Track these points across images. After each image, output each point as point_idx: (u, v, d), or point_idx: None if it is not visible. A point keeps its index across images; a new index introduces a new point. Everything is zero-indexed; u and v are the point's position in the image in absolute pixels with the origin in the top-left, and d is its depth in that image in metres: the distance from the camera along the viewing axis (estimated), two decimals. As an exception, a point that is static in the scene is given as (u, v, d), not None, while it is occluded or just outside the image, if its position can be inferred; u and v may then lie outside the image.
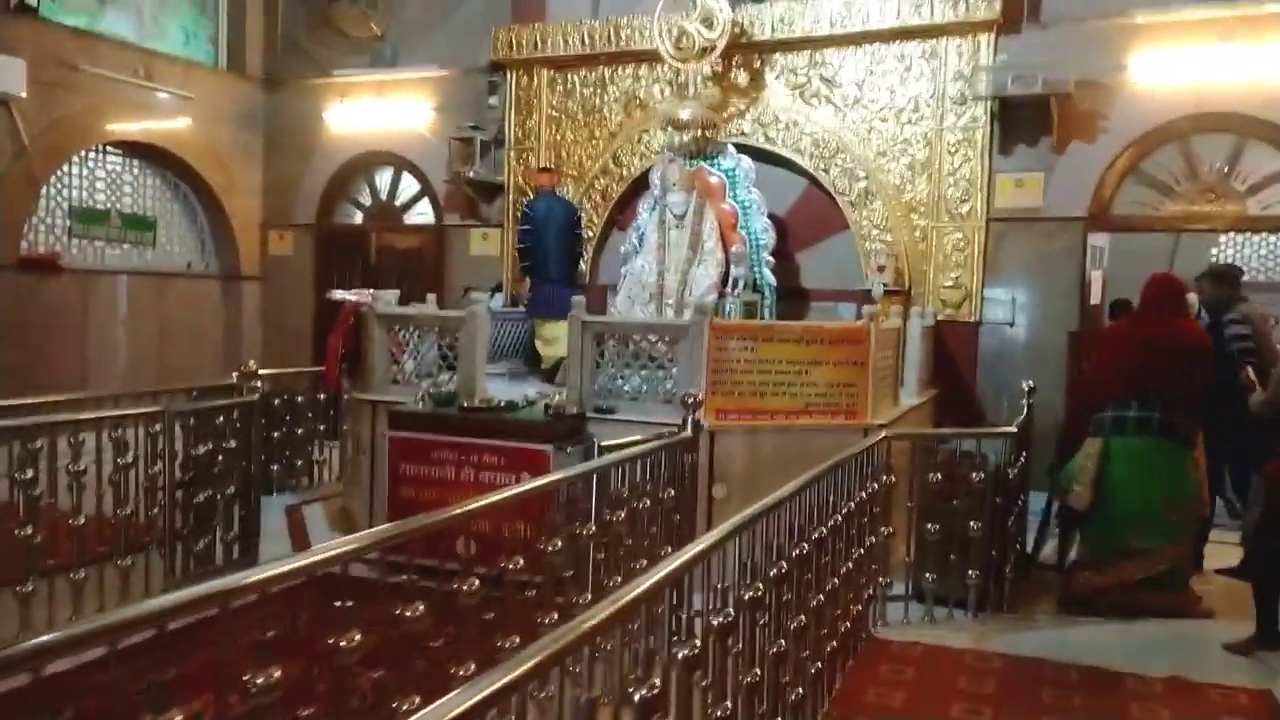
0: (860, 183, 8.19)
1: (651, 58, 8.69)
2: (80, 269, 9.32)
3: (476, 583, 2.88)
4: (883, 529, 4.87)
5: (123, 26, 9.55)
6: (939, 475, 5.00)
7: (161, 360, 10.02)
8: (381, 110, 10.15)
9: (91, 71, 8.96)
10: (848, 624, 4.40)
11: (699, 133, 8.19)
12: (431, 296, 6.37)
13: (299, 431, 7.84)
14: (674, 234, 7.95)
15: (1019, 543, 5.63)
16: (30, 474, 4.47)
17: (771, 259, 8.05)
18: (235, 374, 5.72)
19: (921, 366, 7.38)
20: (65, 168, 9.23)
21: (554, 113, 9.33)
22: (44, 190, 9.01)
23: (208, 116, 10.25)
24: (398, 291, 7.20)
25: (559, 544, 3.39)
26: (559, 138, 9.31)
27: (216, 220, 10.67)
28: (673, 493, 4.36)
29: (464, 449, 5.40)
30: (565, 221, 7.55)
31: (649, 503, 4.11)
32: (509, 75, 9.43)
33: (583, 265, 9.05)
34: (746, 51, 8.50)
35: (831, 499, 4.08)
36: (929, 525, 5.00)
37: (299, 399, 7.84)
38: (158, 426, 5.02)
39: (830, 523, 3.99)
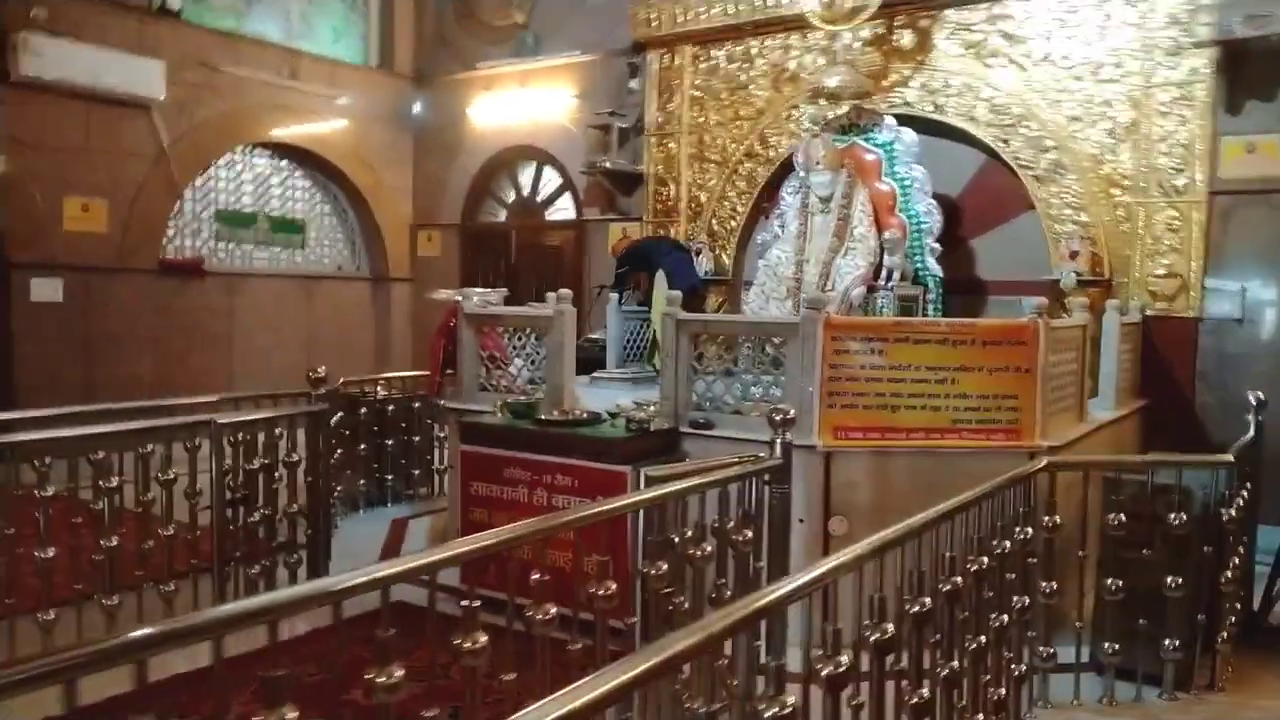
0: (1048, 154, 6.86)
1: (801, 24, 7.68)
2: (225, 272, 9.31)
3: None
4: (1044, 585, 3.73)
5: (269, 27, 9.49)
6: (1122, 516, 3.79)
7: (310, 364, 9.84)
8: (524, 102, 9.65)
9: (234, 73, 8.91)
10: (991, 707, 3.34)
11: (851, 104, 7.13)
12: (554, 294, 5.67)
13: (416, 439, 7.38)
14: (818, 219, 6.93)
15: (1239, 601, 4.29)
16: (51, 491, 4.10)
17: (937, 246, 6.87)
18: (308, 377, 5.21)
19: (1123, 373, 6.02)
20: (210, 171, 9.24)
21: (696, 93, 8.48)
22: (188, 194, 9.04)
23: (356, 116, 10.09)
24: (504, 291, 6.56)
25: (549, 612, 2.56)
26: (701, 120, 8.46)
27: (366, 221, 10.51)
28: (749, 535, 3.42)
29: (537, 468, 4.66)
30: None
31: (710, 549, 3.20)
32: (650, 55, 8.67)
33: (723, 260, 8.19)
34: (911, 10, 7.35)
35: (969, 542, 3.09)
36: (1110, 581, 3.81)
37: (415, 405, 7.38)
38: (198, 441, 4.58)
39: (957, 579, 2.97)
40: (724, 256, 8.30)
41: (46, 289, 7.80)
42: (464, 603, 2.33)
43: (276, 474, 4.89)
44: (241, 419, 4.71)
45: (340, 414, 6.78)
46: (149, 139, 8.37)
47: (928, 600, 2.80)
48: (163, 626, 1.70)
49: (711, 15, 8.22)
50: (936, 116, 7.29)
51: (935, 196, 7.03)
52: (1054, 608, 3.84)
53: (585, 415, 4.82)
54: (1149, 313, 6.47)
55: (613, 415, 4.72)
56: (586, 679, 1.53)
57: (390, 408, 7.24)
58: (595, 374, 7.34)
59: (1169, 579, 3.78)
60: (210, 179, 9.27)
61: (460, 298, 5.81)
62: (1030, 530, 3.58)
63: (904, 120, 7.22)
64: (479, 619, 2.33)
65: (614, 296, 7.88)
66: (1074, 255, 6.56)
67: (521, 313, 5.70)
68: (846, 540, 3.89)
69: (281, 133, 9.50)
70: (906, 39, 7.41)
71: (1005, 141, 7.03)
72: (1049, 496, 3.80)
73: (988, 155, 7.21)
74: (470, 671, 2.32)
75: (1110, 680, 3.90)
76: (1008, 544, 3.41)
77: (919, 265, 6.87)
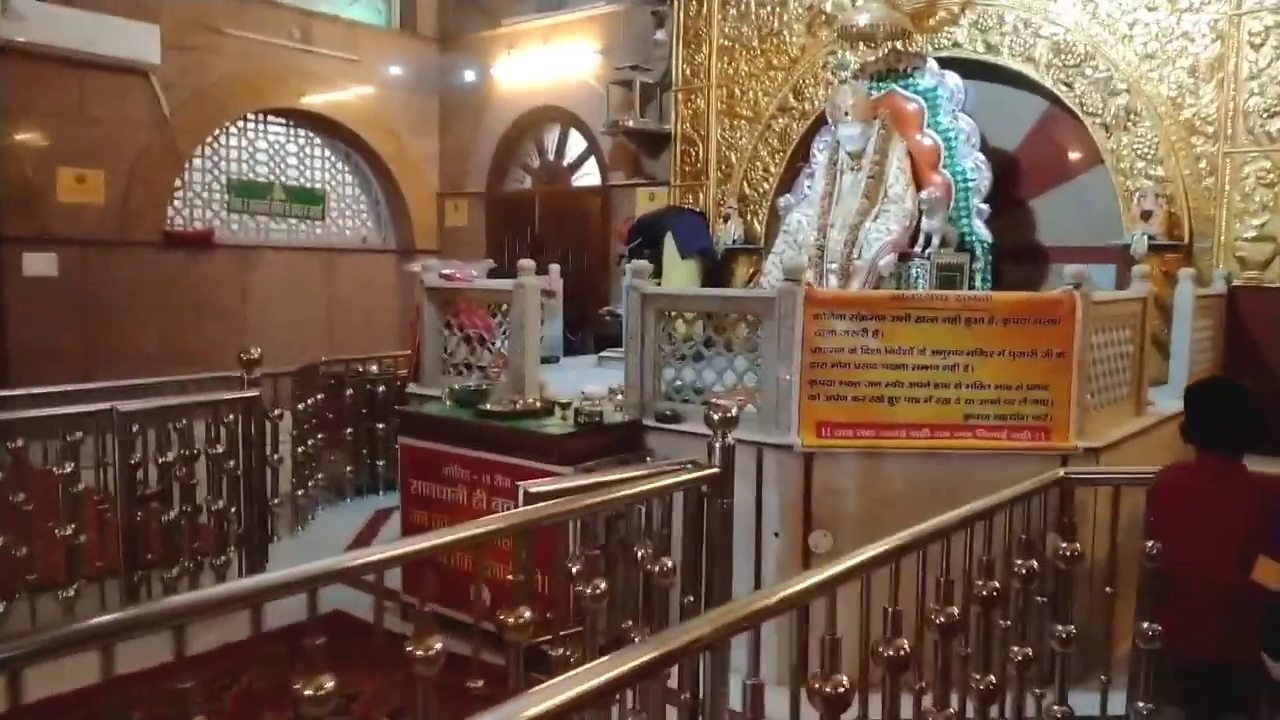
0: (1118, 98, 5.88)
1: (839, -42, 6.80)
2: (238, 244, 8.89)
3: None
4: (1059, 629, 2.95)
5: (280, -13, 9.00)
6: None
7: (332, 340, 9.45)
8: (548, 60, 8.97)
9: (240, 36, 8.44)
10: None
11: (887, 45, 6.25)
12: (526, 263, 5.01)
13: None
14: (847, 178, 6.11)
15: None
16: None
17: (985, 207, 5.99)
18: (239, 359, 4.67)
19: (1200, 355, 5.08)
20: (222, 139, 8.82)
21: (726, 42, 7.66)
22: (196, 163, 8.64)
23: (377, 80, 9.55)
24: (490, 262, 5.94)
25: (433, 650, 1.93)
26: (731, 71, 7.64)
27: (390, 191, 10.01)
28: (669, 564, 2.72)
29: (476, 465, 4.02)
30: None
31: (602, 587, 2.52)
32: (676, 3, 7.88)
33: (755, 227, 7.41)
34: (961, -63, 6.41)
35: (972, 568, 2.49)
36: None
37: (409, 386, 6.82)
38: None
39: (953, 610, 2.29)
40: (755, 223, 7.50)
41: (40, 263, 7.48)
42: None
43: (196, 467, 4.36)
44: (147, 405, 4.18)
45: (320, 395, 6.30)
46: (148, 106, 7.96)
47: (904, 644, 2.12)
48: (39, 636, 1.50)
49: (741, -46, 7.40)
50: (990, 58, 6.35)
51: (989, 151, 6.16)
52: (1076, 655, 3.06)
53: (537, 406, 4.15)
54: (1236, 283, 5.46)
55: (563, 406, 4.04)
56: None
57: (381, 388, 6.71)
58: (604, 352, 6.70)
59: (1226, 624, 2.94)
60: (220, 147, 8.84)
61: (420, 268, 5.20)
62: (1035, 563, 2.78)
63: (953, 64, 6.34)
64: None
65: (629, 268, 7.20)
66: (1147, 216, 5.60)
67: (482, 286, 5.04)
68: (831, 558, 3.15)
69: (296, 99, 9.02)
70: (955, -30, 6.47)
71: (1068, 85, 6.06)
72: (1067, 517, 2.99)
73: (1049, 102, 6.24)
74: None
75: (1147, 749, 3.09)
76: (1022, 569, 2.65)
77: (965, 229, 6.00)
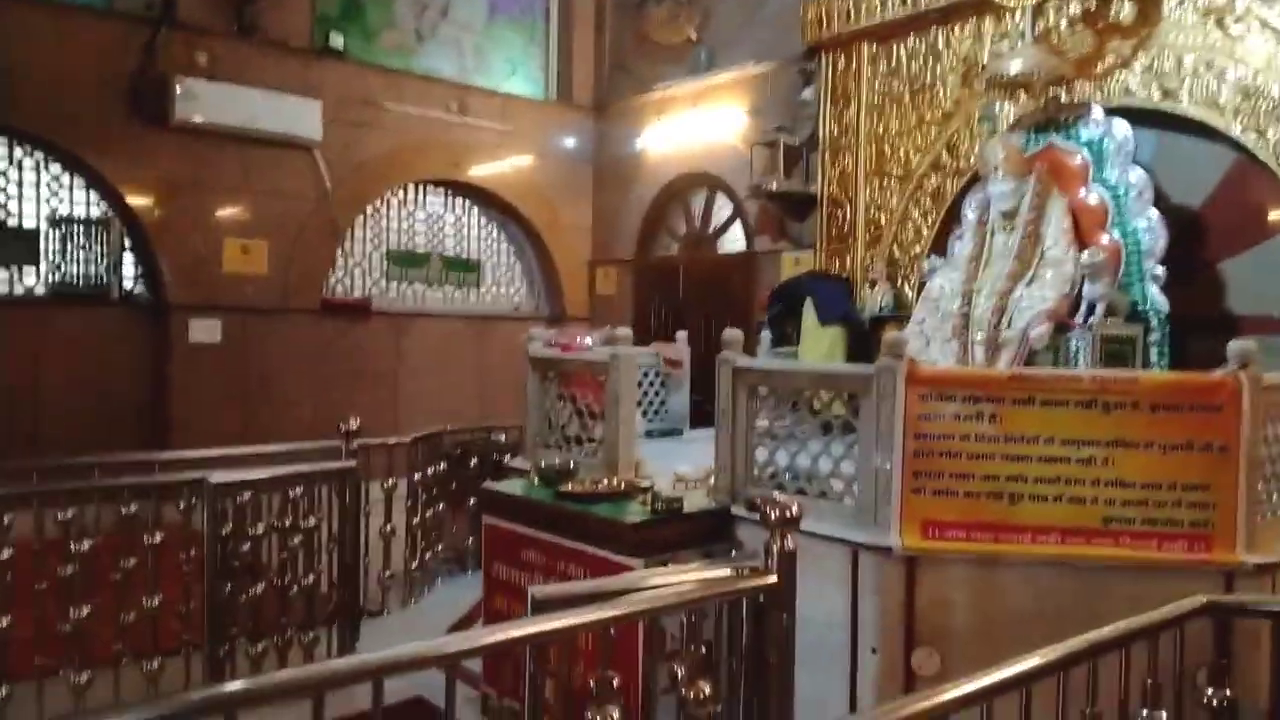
0: (1322, 145, 5.10)
1: (995, 5, 6.32)
2: (394, 312, 9.11)
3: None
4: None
5: (442, 62, 9.28)
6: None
7: (482, 406, 9.50)
8: (696, 124, 8.82)
9: (398, 110, 8.73)
10: None
11: (1044, 93, 5.70)
12: (623, 331, 4.79)
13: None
14: (999, 239, 5.55)
15: None
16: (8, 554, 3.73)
17: (1161, 270, 5.28)
18: (339, 429, 4.61)
19: None
20: (381, 209, 9.10)
21: (875, 98, 7.26)
22: (357, 233, 8.93)
23: (532, 150, 9.67)
24: (623, 330, 5.70)
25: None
26: (880, 130, 7.21)
27: (543, 260, 10.06)
28: (707, 690, 2.34)
29: (551, 551, 3.74)
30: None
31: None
32: (823, 59, 7.56)
33: (905, 292, 6.90)
34: (1131, -27, 5.81)
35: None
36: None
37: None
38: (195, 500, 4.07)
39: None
40: (906, 287, 6.99)
41: (205, 330, 7.86)
42: None
43: (291, 541, 4.30)
44: (239, 479, 4.14)
45: (442, 464, 6.24)
46: (310, 179, 8.31)
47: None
48: None
49: (891, 6, 7.00)
50: (1168, 106, 5.67)
51: (1172, 209, 5.47)
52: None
53: (621, 488, 3.84)
54: None
55: (644, 490, 3.71)
56: None
57: (508, 457, 6.57)
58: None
59: None
60: (380, 218, 9.13)
61: (532, 338, 5.03)
62: (1164, 717, 2.22)
63: (1126, 114, 5.69)
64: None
65: (765, 336, 6.85)
66: (1360, 280, 4.77)
67: (582, 357, 4.81)
68: (937, 681, 2.68)
69: (453, 170, 9.24)
70: (1126, 11, 5.82)
71: (1260, 133, 5.31)
72: (1222, 658, 2.40)
73: (1238, 152, 5.49)
74: None
75: None
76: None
77: (1137, 297, 5.31)
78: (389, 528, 5.45)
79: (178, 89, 7.38)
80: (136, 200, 7.55)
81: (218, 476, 4.06)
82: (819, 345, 6.43)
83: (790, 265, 7.91)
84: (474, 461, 6.46)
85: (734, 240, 8.78)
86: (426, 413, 8.86)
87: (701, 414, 7.07)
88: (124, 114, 7.41)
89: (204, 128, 7.58)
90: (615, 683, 2.21)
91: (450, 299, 9.64)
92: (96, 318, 7.56)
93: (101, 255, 7.59)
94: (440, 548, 6.17)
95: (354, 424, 4.61)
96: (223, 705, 1.61)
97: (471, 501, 6.41)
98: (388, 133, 8.74)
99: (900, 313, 6.90)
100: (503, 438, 6.75)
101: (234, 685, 1.69)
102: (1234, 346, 3.11)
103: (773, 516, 2.48)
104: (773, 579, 2.48)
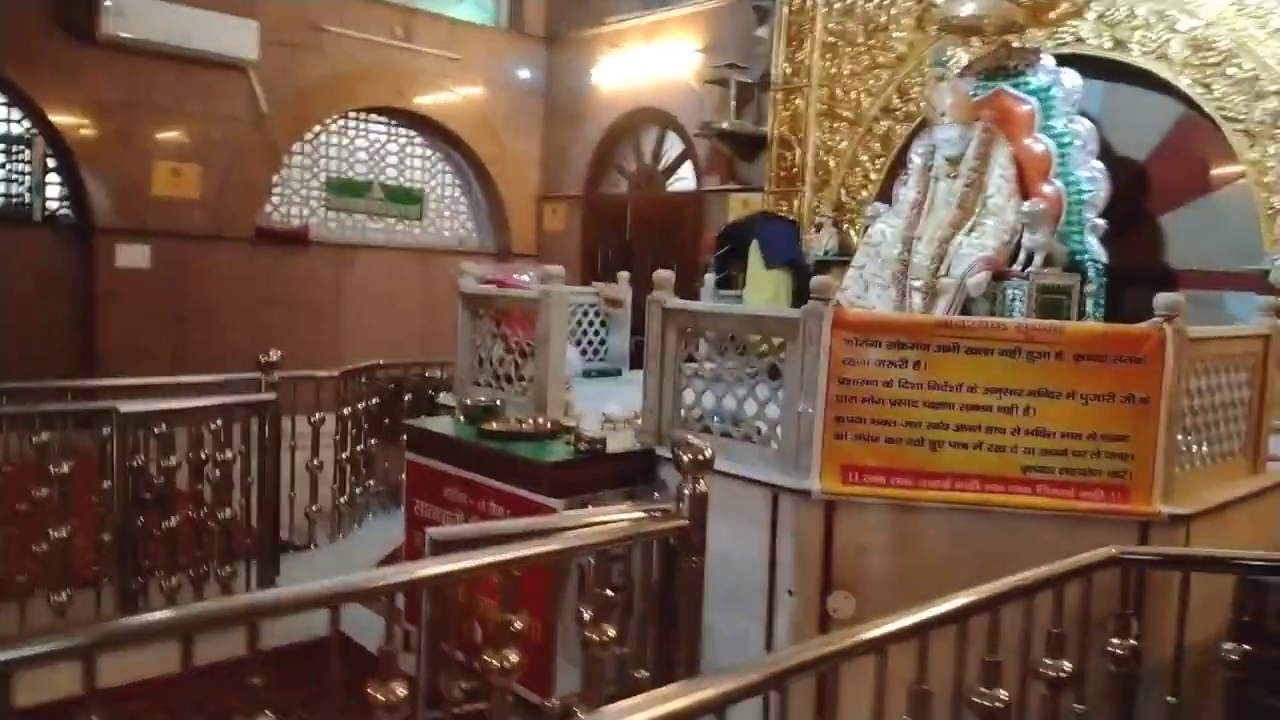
0: (1267, 101, 5.08)
1: (952, -53, 6.18)
2: (334, 243, 8.89)
3: None
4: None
5: (385, -14, 8.96)
6: (1246, 646, 2.35)
7: (426, 342, 9.34)
8: (649, 59, 8.62)
9: (339, 33, 8.42)
10: None
11: (997, 40, 5.61)
12: (554, 269, 4.68)
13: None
14: (943, 186, 5.50)
15: None
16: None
17: (1101, 222, 5.27)
18: (258, 362, 4.48)
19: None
20: (321, 136, 8.83)
21: (830, 38, 7.12)
22: (295, 160, 8.67)
23: (480, 79, 9.41)
24: (559, 269, 5.58)
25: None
26: (833, 70, 7.09)
27: (489, 193, 9.85)
28: (611, 633, 2.29)
29: (473, 490, 3.68)
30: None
31: (514, 661, 2.12)
32: (779, -4, 7.40)
33: (851, 237, 6.84)
34: (1089, -82, 5.70)
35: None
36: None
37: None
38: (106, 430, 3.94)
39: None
40: (852, 233, 6.93)
41: (133, 255, 7.60)
42: None
43: (208, 474, 4.18)
44: (152, 408, 4.01)
45: (375, 400, 6.13)
46: (246, 102, 8.02)
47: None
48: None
49: (848, -58, 6.85)
50: (1118, 55, 5.63)
51: (1114, 160, 5.44)
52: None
53: (546, 427, 3.77)
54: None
55: (569, 430, 3.65)
56: None
57: (443, 394, 6.48)
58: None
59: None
60: (320, 145, 8.86)
61: (464, 273, 4.91)
62: (1066, 667, 2.22)
63: (1076, 62, 5.63)
64: None
65: (709, 279, 6.77)
66: (1294, 237, 4.80)
67: (508, 294, 4.70)
68: (852, 624, 2.67)
69: (397, 97, 8.96)
70: (1082, -43, 5.75)
71: (1207, 86, 5.29)
72: (1130, 605, 2.41)
73: (1185, 106, 5.47)
74: None
75: None
76: (1050, 672, 2.12)
77: (1077, 247, 5.30)
78: (316, 462, 5.35)
79: (106, 1, 7.03)
80: (61, 119, 7.23)
81: (130, 406, 3.92)
82: (764, 288, 6.37)
83: (739, 206, 7.81)
84: (408, 397, 6.35)
85: (683, 179, 8.65)
86: (369, 346, 8.68)
87: (642, 354, 7.02)
88: (48, 26, 7.06)
89: (134, 44, 7.26)
90: (517, 626, 2.16)
91: (393, 231, 9.42)
92: (18, 239, 7.28)
93: (23, 175, 7.28)
94: (372, 483, 6.08)
95: (274, 355, 4.47)
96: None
97: (404, 437, 6.32)
98: (328, 57, 8.44)
99: (844, 257, 6.85)
100: (439, 373, 6.64)
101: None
102: (1161, 299, 3.08)
103: (685, 459, 2.42)
104: (684, 522, 2.43)
